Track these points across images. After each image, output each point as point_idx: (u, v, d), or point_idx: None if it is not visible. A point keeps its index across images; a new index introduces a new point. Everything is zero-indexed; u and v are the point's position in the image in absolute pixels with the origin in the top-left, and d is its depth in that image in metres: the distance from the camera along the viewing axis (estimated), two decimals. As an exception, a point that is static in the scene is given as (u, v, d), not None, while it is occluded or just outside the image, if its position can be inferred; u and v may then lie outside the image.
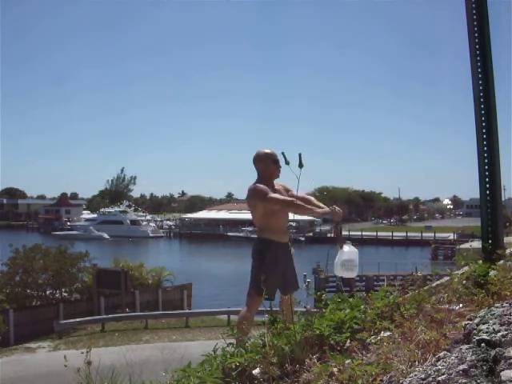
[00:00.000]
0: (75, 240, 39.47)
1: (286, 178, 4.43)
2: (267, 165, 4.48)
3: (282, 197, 4.36)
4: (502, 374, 1.54)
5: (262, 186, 4.37)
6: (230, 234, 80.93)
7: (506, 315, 1.81)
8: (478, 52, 4.11)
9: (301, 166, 3.96)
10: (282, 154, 4.18)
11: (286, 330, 2.86)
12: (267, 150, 4.55)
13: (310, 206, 4.36)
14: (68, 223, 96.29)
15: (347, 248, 4.15)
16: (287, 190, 4.59)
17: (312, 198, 4.56)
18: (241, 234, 76.25)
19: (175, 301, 24.39)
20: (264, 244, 4.38)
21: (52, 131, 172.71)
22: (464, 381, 1.57)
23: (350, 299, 3.15)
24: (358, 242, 71.42)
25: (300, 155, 3.95)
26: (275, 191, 4.45)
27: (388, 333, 2.55)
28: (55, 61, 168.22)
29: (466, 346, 1.71)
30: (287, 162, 4.11)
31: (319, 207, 4.44)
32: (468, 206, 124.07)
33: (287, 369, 2.47)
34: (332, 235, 78.30)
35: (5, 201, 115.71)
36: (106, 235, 79.05)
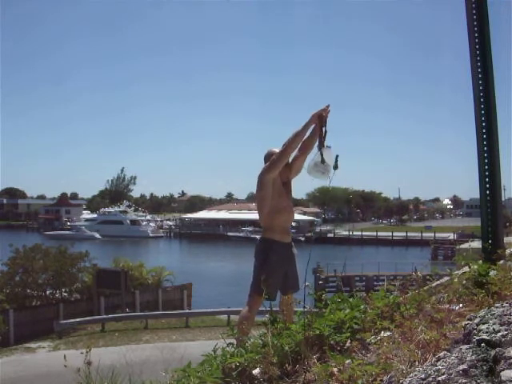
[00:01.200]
0: (66, 240, 39.49)
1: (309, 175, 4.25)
2: None
3: (276, 154, 4.22)
4: (502, 374, 1.54)
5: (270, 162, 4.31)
6: (230, 233, 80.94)
7: (506, 315, 1.81)
8: (477, 52, 4.11)
9: (336, 167, 3.96)
10: (336, 156, 4.08)
11: (285, 330, 2.86)
12: (277, 150, 4.51)
13: (296, 131, 4.16)
14: (68, 223, 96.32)
15: (326, 151, 4.00)
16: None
17: (294, 132, 4.34)
18: (241, 234, 76.26)
19: (175, 301, 24.39)
20: (267, 244, 4.37)
21: (52, 131, 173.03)
22: (464, 381, 1.57)
23: (350, 299, 3.15)
24: (358, 242, 71.79)
25: (337, 157, 3.95)
26: (285, 186, 4.43)
27: (388, 333, 2.55)
28: (55, 61, 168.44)
29: (466, 346, 1.71)
30: (336, 167, 4.04)
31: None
32: (468, 206, 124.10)
33: (287, 369, 2.47)
34: (332, 235, 78.46)
35: (5, 201, 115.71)
36: (97, 235, 79.03)
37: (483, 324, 1.80)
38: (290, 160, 4.39)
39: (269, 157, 4.44)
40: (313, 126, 4.25)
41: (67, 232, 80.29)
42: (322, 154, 4.00)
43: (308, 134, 4.28)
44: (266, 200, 4.34)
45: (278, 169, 4.24)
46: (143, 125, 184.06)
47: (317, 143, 4.13)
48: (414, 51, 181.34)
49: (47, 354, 16.79)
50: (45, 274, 22.66)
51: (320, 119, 4.16)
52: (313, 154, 4.10)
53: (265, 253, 4.34)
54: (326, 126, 4.16)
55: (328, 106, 4.24)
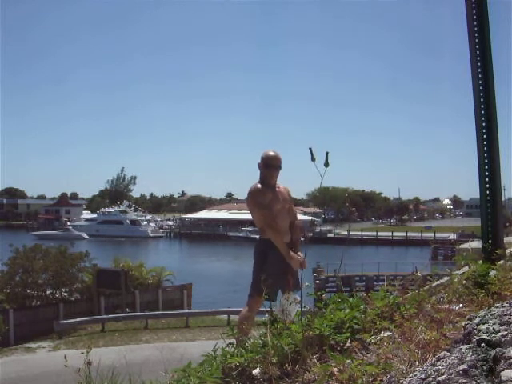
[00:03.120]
0: (54, 240, 39.46)
1: (310, 175, 4.35)
2: (263, 167, 4.54)
3: (268, 217, 4.39)
4: (502, 374, 1.54)
5: (259, 189, 4.42)
6: (229, 234, 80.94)
7: (506, 315, 1.81)
8: (477, 52, 4.11)
9: (327, 164, 3.95)
10: (310, 149, 4.13)
11: (285, 330, 2.86)
12: (270, 153, 4.58)
13: (282, 244, 4.33)
14: (68, 223, 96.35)
15: (291, 298, 4.00)
16: (288, 196, 4.63)
17: (298, 225, 4.66)
18: (241, 234, 76.24)
19: (175, 301, 24.39)
20: (266, 244, 4.38)
21: (52, 131, 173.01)
22: (464, 381, 1.57)
23: (350, 299, 3.15)
24: (358, 242, 71.72)
25: (327, 154, 3.94)
26: (275, 193, 4.49)
27: (388, 333, 2.55)
28: (55, 61, 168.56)
29: (466, 346, 1.71)
30: (313, 159, 4.07)
31: (297, 240, 4.52)
32: (468, 206, 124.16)
33: (287, 369, 2.47)
34: (332, 235, 78.36)
35: (5, 201, 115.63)
36: (85, 235, 79.03)
37: (483, 324, 1.79)
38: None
39: (260, 159, 4.50)
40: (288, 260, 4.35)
41: (55, 232, 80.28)
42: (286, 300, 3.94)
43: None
44: (256, 209, 4.49)
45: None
46: (143, 125, 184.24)
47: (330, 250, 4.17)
48: (414, 51, 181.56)
49: (47, 354, 16.79)
50: (45, 274, 22.66)
51: (298, 266, 4.27)
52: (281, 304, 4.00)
53: (264, 253, 4.35)
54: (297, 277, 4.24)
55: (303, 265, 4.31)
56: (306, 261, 4.37)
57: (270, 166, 4.52)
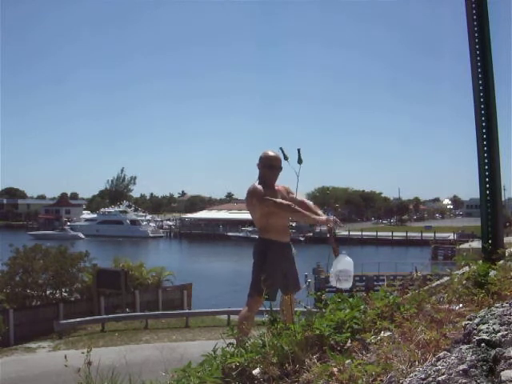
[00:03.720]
0: (50, 240, 39.44)
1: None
2: (263, 168, 4.50)
3: (278, 200, 4.32)
4: (502, 374, 1.54)
5: (259, 187, 4.38)
6: (230, 233, 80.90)
7: (506, 315, 1.81)
8: (478, 52, 4.11)
9: (300, 161, 3.94)
10: (280, 149, 4.17)
11: (285, 330, 2.86)
12: (270, 153, 4.52)
13: (305, 212, 4.29)
14: (68, 223, 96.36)
15: (342, 258, 4.06)
16: (289, 193, 4.58)
17: (311, 204, 4.54)
18: (241, 234, 76.20)
19: (175, 301, 24.38)
20: (265, 244, 4.38)
21: (52, 131, 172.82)
22: (464, 381, 1.57)
23: (350, 299, 3.15)
24: (358, 242, 71.70)
25: (299, 150, 3.93)
26: (275, 193, 4.44)
27: (388, 333, 2.55)
28: (55, 61, 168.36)
29: (466, 346, 1.71)
30: (286, 158, 4.09)
31: (316, 214, 4.39)
32: (468, 206, 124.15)
33: (287, 369, 2.47)
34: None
35: (5, 201, 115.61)
36: (81, 235, 78.91)
37: (483, 324, 1.79)
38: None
39: (259, 160, 4.49)
40: (320, 223, 4.36)
41: (51, 232, 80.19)
42: (338, 261, 4.06)
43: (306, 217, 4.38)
44: (255, 208, 4.42)
45: (269, 208, 4.32)
46: (143, 125, 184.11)
47: (333, 252, 4.17)
48: (414, 51, 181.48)
49: (47, 354, 16.79)
50: (45, 274, 22.66)
51: (330, 229, 4.28)
52: (332, 266, 4.12)
53: (263, 253, 4.34)
54: (334, 232, 4.24)
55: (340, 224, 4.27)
56: (334, 218, 4.25)
57: (271, 167, 4.49)
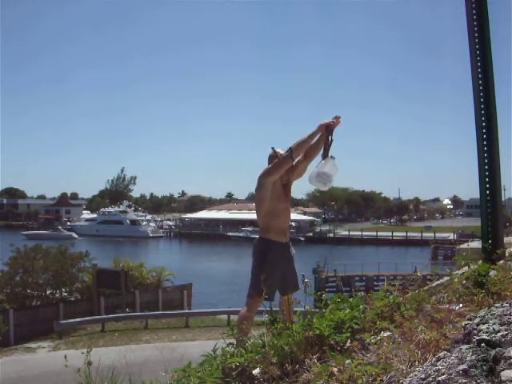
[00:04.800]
0: (43, 240, 39.45)
1: (310, 173, 4.20)
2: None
3: (280, 159, 4.20)
4: (502, 374, 1.54)
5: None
6: (229, 233, 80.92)
7: (506, 315, 1.81)
8: (478, 52, 4.11)
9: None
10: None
11: (285, 330, 2.86)
12: (282, 152, 4.49)
13: (303, 140, 4.15)
14: (68, 223, 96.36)
15: (330, 161, 4.00)
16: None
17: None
18: (241, 234, 76.22)
19: (175, 301, 24.39)
20: (265, 244, 4.37)
21: (52, 131, 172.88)
22: (464, 381, 1.57)
23: (350, 299, 3.15)
24: (358, 242, 71.73)
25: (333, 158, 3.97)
26: (285, 190, 4.42)
27: (388, 333, 2.55)
28: (55, 61, 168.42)
29: (466, 346, 1.71)
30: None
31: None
32: (468, 206, 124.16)
33: (287, 369, 2.47)
34: (332, 235, 78.42)
35: (5, 201, 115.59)
36: (75, 235, 78.81)
37: (483, 324, 1.79)
38: (294, 163, 4.37)
39: (272, 158, 4.44)
40: (319, 134, 4.25)
41: (45, 232, 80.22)
42: (325, 164, 4.00)
43: (314, 141, 4.28)
44: (263, 201, 4.33)
45: (280, 173, 4.23)
46: (143, 125, 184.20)
47: (321, 152, 4.12)
48: (414, 51, 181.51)
49: (47, 354, 16.79)
50: (45, 274, 22.67)
51: (327, 129, 4.16)
52: (316, 163, 4.10)
53: (263, 253, 4.34)
54: (332, 136, 4.15)
55: (338, 118, 4.23)
56: (335, 121, 4.16)
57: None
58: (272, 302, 3.87)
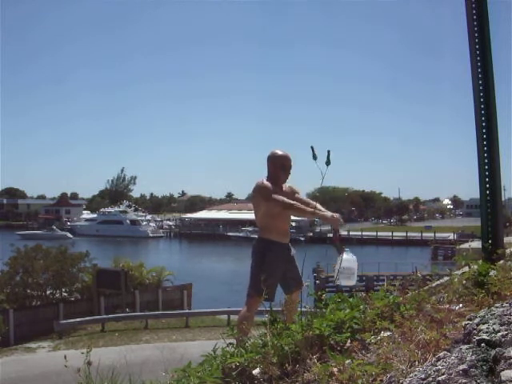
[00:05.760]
0: (38, 240, 39.46)
1: (310, 175, 4.26)
2: (275, 167, 4.47)
3: (284, 199, 4.28)
4: (502, 374, 1.53)
5: (268, 184, 4.35)
6: (230, 233, 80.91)
7: (506, 315, 1.81)
8: (477, 52, 4.11)
9: (328, 163, 3.94)
10: (311, 148, 4.13)
11: (285, 330, 2.86)
12: (280, 153, 4.50)
13: (313, 210, 4.28)
14: (68, 223, 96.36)
15: (345, 255, 4.07)
16: (294, 193, 4.57)
17: (315, 203, 4.52)
18: (241, 234, 76.20)
19: (175, 301, 24.39)
20: (264, 244, 4.37)
21: (52, 131, 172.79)
22: (464, 381, 1.57)
23: (350, 299, 3.15)
24: (358, 242, 71.74)
25: (329, 152, 3.93)
26: (282, 192, 4.43)
27: (388, 333, 2.55)
28: (55, 61, 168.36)
29: (466, 346, 1.71)
30: (315, 157, 4.06)
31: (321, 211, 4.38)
32: (468, 206, 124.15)
33: (287, 369, 2.47)
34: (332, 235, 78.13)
35: (5, 201, 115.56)
36: (69, 235, 78.83)
37: (483, 324, 1.79)
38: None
39: (269, 158, 4.47)
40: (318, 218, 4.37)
41: (39, 232, 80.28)
42: (343, 259, 4.02)
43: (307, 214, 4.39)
44: (260, 205, 4.40)
45: (275, 207, 4.30)
46: (143, 125, 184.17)
47: (336, 250, 4.13)
48: (414, 51, 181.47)
49: (47, 354, 16.79)
50: (45, 274, 22.66)
51: (335, 229, 4.27)
52: (336, 264, 4.08)
53: (262, 253, 4.34)
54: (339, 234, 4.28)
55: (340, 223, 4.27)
56: (340, 217, 4.26)
57: (284, 167, 4.48)
58: (272, 302, 3.87)
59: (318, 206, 4.41)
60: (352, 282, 4.05)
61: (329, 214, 4.28)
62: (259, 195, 4.38)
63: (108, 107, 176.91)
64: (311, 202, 4.56)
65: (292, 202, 4.29)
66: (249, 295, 4.25)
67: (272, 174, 4.48)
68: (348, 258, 4.02)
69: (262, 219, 4.42)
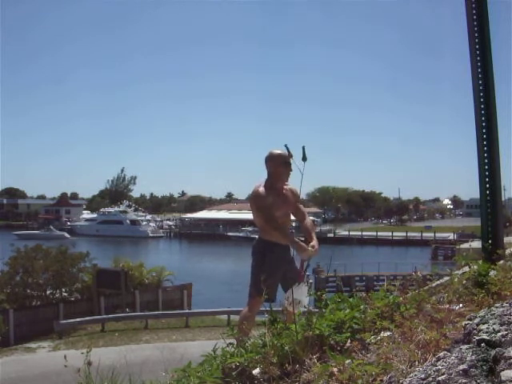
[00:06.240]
0: (35, 240, 39.51)
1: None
2: (277, 166, 4.47)
3: (271, 220, 4.36)
4: (502, 374, 1.53)
5: (262, 193, 4.38)
6: (230, 233, 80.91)
7: (506, 315, 1.81)
8: (477, 52, 4.11)
9: (304, 159, 3.94)
10: (285, 146, 4.15)
11: (285, 330, 2.86)
12: (279, 151, 4.53)
13: (288, 237, 4.34)
14: (68, 223, 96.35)
15: (300, 289, 3.90)
16: (295, 197, 4.58)
17: (308, 222, 4.59)
18: (241, 234, 76.20)
19: (175, 301, 24.39)
20: (264, 244, 4.38)
21: (52, 131, 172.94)
22: (464, 381, 1.57)
23: (350, 299, 3.15)
24: (358, 242, 71.71)
25: (304, 148, 3.92)
26: (281, 195, 4.45)
27: (388, 333, 2.55)
28: (55, 61, 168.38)
29: (466, 346, 1.71)
30: (290, 155, 4.08)
31: (309, 235, 4.43)
32: (468, 206, 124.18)
33: (287, 369, 2.47)
34: (332, 235, 78.38)
35: (5, 201, 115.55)
36: (66, 234, 78.78)
37: (483, 324, 1.79)
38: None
39: (269, 159, 4.50)
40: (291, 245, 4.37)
41: (36, 232, 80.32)
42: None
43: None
44: (259, 212, 4.46)
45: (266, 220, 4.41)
46: (143, 125, 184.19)
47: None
48: (414, 51, 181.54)
49: (47, 354, 16.78)
50: (45, 274, 22.66)
51: (303, 261, 4.27)
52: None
53: (262, 253, 4.35)
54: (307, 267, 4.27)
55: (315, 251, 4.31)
56: (316, 250, 4.28)
57: (286, 164, 4.50)
58: (273, 302, 3.87)
59: (309, 225, 4.51)
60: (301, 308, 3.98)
61: (302, 246, 4.26)
62: (252, 203, 4.49)
63: (108, 107, 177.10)
64: (307, 217, 4.67)
65: (276, 226, 4.34)
66: (250, 295, 4.26)
67: (273, 173, 4.48)
68: (302, 289, 3.90)
69: (260, 221, 4.44)
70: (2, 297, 21.72)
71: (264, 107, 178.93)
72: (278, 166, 4.47)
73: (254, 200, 4.43)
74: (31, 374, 13.94)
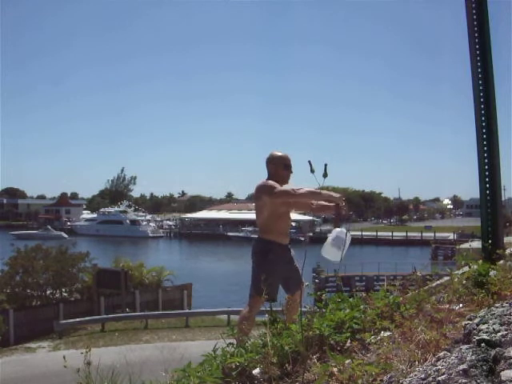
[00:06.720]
0: (32, 239, 39.56)
1: (310, 175, 4.25)
2: (278, 168, 4.46)
3: (292, 187, 4.23)
4: (502, 374, 1.53)
5: (271, 181, 4.33)
6: (230, 233, 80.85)
7: (506, 315, 1.81)
8: (478, 52, 4.11)
9: (325, 175, 3.96)
10: (309, 162, 4.13)
11: (285, 330, 2.86)
12: (280, 153, 4.52)
13: (321, 191, 4.16)
14: (68, 223, 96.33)
15: (340, 229, 4.05)
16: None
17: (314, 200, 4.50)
18: (241, 234, 76.15)
19: (175, 301, 24.39)
20: (265, 244, 4.37)
21: (52, 131, 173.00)
22: (464, 381, 1.57)
23: (350, 299, 3.15)
24: (358, 242, 71.74)
25: (326, 165, 3.95)
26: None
27: (388, 333, 2.55)
28: (55, 61, 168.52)
29: (466, 346, 1.71)
30: (312, 171, 4.06)
31: (324, 196, 4.25)
32: (468, 206, 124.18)
33: (287, 369, 2.47)
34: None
35: (5, 201, 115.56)
36: (64, 234, 78.51)
37: (483, 324, 1.79)
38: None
39: (270, 160, 4.47)
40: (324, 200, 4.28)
41: (34, 232, 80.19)
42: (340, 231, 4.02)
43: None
44: (265, 207, 4.37)
45: (281, 200, 4.28)
46: (143, 125, 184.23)
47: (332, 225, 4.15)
48: (414, 51, 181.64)
49: (47, 354, 16.78)
50: (45, 274, 22.66)
51: (337, 211, 4.25)
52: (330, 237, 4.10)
53: (262, 253, 4.34)
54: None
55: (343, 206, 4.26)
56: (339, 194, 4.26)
57: (288, 167, 4.48)
58: (274, 302, 3.87)
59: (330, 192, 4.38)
60: (337, 256, 4.01)
61: (336, 195, 4.26)
62: (264, 193, 4.31)
63: (108, 107, 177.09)
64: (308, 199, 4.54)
65: (301, 190, 4.19)
66: (251, 296, 4.25)
67: (273, 175, 4.46)
68: (342, 231, 4.01)
69: (264, 220, 4.41)
70: (2, 297, 21.73)
71: (264, 107, 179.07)
72: (279, 168, 4.47)
73: (265, 188, 4.29)
74: (31, 374, 13.94)
